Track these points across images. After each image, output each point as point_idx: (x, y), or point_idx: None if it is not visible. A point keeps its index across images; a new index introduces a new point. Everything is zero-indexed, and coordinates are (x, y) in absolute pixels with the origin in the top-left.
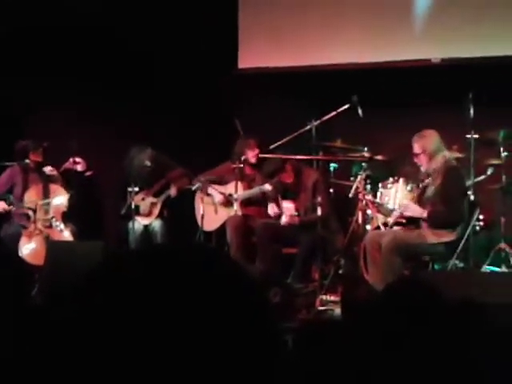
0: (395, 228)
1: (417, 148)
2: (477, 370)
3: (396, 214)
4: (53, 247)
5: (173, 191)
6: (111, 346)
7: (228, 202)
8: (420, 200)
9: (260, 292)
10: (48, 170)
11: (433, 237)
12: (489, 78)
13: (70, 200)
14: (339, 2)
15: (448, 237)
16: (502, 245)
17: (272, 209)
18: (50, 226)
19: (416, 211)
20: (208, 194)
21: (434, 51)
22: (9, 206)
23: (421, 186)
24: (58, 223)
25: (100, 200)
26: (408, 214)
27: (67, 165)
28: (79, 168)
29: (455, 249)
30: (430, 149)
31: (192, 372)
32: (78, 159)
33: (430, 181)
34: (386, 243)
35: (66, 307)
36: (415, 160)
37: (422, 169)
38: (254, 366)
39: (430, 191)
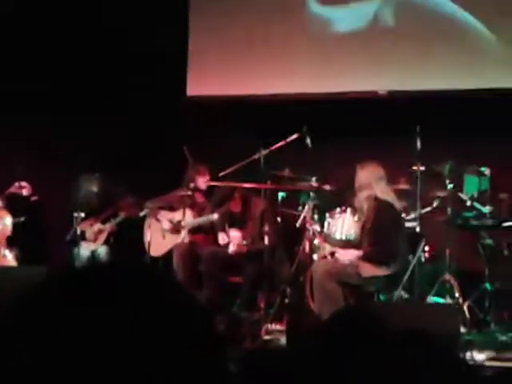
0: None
1: (355, 176)
2: None
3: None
4: None
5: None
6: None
7: (176, 229)
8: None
9: (209, 317)
10: None
11: (367, 270)
12: (436, 111)
13: (15, 225)
14: (288, 34)
15: (383, 272)
16: (447, 276)
17: (222, 238)
18: None
19: (350, 255)
20: (157, 220)
21: (381, 83)
22: None
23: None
24: (1, 248)
25: (45, 225)
26: (346, 258)
27: (13, 189)
28: (25, 192)
29: (397, 279)
30: (360, 181)
31: None
32: (23, 183)
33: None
34: (321, 271)
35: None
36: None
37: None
38: None
39: (365, 230)
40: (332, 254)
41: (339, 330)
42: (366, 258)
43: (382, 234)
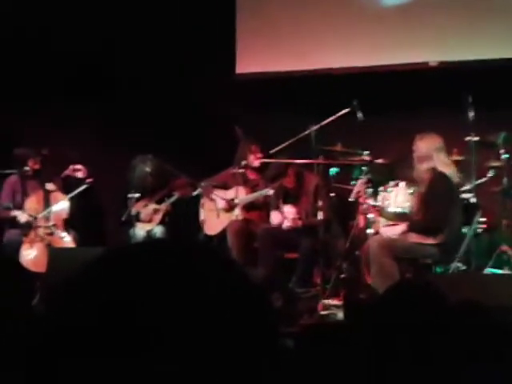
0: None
1: (414, 146)
2: (482, 374)
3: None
4: (54, 254)
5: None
6: (111, 347)
7: (230, 206)
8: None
9: (263, 295)
10: (49, 186)
11: (415, 238)
12: (488, 81)
13: (72, 207)
14: (336, 7)
15: (431, 241)
16: (504, 247)
17: (275, 217)
18: (52, 234)
19: (396, 230)
20: (211, 199)
21: (432, 54)
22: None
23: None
24: (59, 230)
25: (101, 207)
26: (389, 234)
27: (68, 172)
28: (80, 175)
29: (453, 251)
30: (420, 152)
31: (191, 375)
32: (78, 166)
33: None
34: (375, 246)
35: (63, 311)
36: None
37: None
38: (254, 371)
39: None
40: (377, 232)
41: (395, 303)
42: (411, 227)
43: (433, 204)
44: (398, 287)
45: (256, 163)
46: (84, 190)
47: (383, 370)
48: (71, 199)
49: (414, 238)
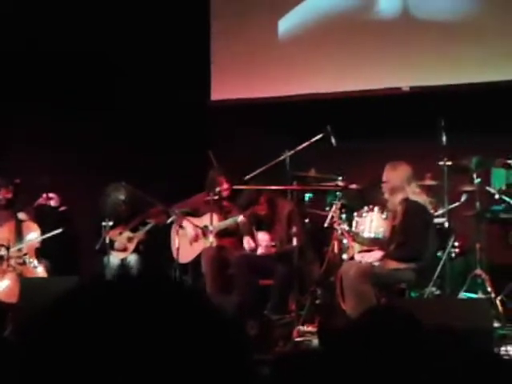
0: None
1: (385, 176)
2: None
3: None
4: (26, 284)
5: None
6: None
7: (203, 233)
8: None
9: (236, 327)
10: (21, 216)
11: (394, 265)
12: (460, 106)
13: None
14: (309, 34)
15: (409, 265)
16: (478, 271)
17: (247, 243)
18: (24, 263)
19: (373, 256)
20: (181, 227)
21: (404, 79)
22: None
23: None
24: (31, 260)
25: (75, 235)
26: (366, 260)
27: (41, 200)
28: (53, 203)
29: (428, 275)
30: (394, 183)
31: None
32: (51, 194)
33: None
34: (353, 272)
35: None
36: (382, 185)
37: (385, 196)
38: None
39: (395, 230)
40: (351, 258)
41: (370, 329)
42: (391, 256)
43: (411, 235)
44: (372, 313)
45: (225, 193)
46: (57, 218)
47: None
48: (44, 228)
49: (391, 264)
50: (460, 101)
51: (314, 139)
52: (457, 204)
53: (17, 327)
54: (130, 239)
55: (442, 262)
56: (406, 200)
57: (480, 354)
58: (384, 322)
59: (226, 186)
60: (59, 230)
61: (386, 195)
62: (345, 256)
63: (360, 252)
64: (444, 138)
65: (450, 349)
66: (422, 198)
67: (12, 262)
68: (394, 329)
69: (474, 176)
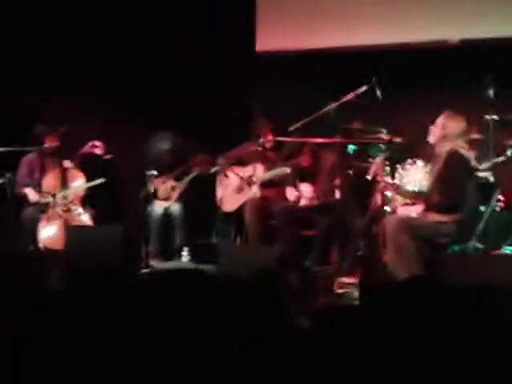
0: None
1: (440, 122)
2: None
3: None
4: (72, 232)
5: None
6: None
7: (247, 183)
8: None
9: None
10: (67, 164)
11: (434, 218)
12: (508, 59)
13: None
14: None
15: (448, 218)
16: None
17: (291, 194)
18: (69, 211)
19: (413, 210)
20: (226, 176)
21: (452, 31)
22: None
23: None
24: (76, 208)
25: (120, 184)
26: (410, 213)
27: (86, 149)
28: (98, 151)
29: (470, 229)
30: (448, 131)
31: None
32: (96, 143)
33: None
34: (393, 225)
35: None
36: (433, 130)
37: (430, 140)
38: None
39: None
40: (394, 210)
41: (411, 297)
42: (430, 207)
43: (449, 184)
44: (415, 281)
45: (269, 145)
46: (102, 166)
47: (397, 355)
48: (89, 176)
49: (432, 216)
50: (507, 54)
51: (358, 91)
52: (502, 158)
53: (62, 273)
54: (173, 188)
55: (485, 216)
56: (452, 150)
57: None
58: (422, 292)
59: (270, 137)
60: (102, 180)
61: (433, 140)
62: (388, 208)
63: (403, 205)
64: (491, 93)
65: (490, 310)
66: (468, 153)
67: (58, 209)
68: (433, 300)
69: None
